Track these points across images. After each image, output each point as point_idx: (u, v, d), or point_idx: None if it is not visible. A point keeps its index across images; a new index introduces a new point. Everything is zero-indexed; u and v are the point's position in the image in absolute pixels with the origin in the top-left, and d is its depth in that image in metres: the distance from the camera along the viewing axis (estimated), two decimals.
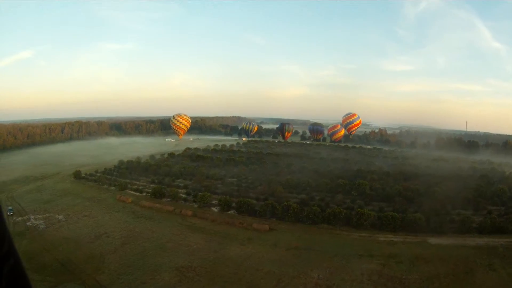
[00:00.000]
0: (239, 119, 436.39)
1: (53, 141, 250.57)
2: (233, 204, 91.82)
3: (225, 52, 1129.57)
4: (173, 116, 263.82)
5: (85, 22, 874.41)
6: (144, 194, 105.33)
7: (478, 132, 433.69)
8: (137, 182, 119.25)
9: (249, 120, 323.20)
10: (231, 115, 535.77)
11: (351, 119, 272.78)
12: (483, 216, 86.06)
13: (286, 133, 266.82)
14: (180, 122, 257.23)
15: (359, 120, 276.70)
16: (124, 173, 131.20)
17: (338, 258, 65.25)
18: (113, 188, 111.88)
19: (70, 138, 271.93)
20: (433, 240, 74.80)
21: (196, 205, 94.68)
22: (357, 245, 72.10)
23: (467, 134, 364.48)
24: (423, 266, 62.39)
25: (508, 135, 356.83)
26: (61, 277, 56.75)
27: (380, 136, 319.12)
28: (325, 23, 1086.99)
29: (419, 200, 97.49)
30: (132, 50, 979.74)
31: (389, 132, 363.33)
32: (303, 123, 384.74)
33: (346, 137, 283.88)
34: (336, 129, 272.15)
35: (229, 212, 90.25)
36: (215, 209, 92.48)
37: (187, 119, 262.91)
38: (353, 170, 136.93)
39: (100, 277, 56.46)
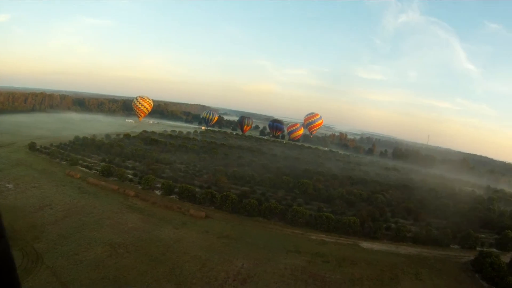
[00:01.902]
0: (203, 107, 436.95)
1: (14, 110, 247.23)
2: (176, 189, 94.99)
3: (200, 40, 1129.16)
4: (136, 98, 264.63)
5: None
6: (93, 171, 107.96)
7: (439, 147, 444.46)
8: (89, 159, 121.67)
9: (210, 110, 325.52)
10: (196, 103, 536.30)
11: (313, 119, 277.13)
12: (421, 227, 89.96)
13: (245, 126, 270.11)
14: (142, 105, 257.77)
15: (321, 120, 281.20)
16: (77, 149, 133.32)
17: (265, 250, 68.81)
18: (64, 162, 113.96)
19: (32, 109, 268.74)
20: (365, 245, 78.94)
21: (140, 187, 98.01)
22: (288, 240, 75.72)
23: (428, 148, 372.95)
24: (349, 268, 65.99)
25: (469, 154, 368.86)
26: None
27: (339, 140, 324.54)
28: (303, 24, 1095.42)
29: (360, 205, 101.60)
30: (109, 26, 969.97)
31: (350, 137, 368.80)
32: (267, 118, 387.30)
33: (305, 136, 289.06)
34: (295, 128, 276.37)
35: (170, 197, 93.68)
36: (158, 192, 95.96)
37: (149, 102, 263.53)
38: (301, 169, 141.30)
39: (37, 245, 59.24)
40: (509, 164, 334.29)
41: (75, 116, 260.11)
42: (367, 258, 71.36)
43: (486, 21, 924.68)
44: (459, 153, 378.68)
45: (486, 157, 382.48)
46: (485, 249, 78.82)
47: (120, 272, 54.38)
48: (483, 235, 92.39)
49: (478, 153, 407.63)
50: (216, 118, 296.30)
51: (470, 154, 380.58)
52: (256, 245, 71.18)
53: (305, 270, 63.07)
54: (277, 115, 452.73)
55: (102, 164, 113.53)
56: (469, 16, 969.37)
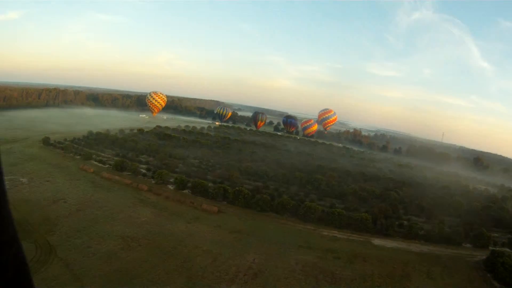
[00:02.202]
0: (217, 103, 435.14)
1: (28, 106, 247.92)
2: (189, 184, 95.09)
3: (214, 36, 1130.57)
4: (149, 93, 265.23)
5: None
6: (107, 166, 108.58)
7: (454, 144, 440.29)
8: (102, 154, 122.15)
9: (224, 105, 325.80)
10: (210, 99, 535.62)
11: (327, 115, 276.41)
12: (433, 225, 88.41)
13: (259, 122, 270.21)
14: (156, 100, 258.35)
15: (335, 116, 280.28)
16: (91, 143, 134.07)
17: (277, 246, 68.59)
18: (78, 157, 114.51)
19: (46, 105, 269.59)
20: (377, 241, 78.01)
21: (153, 181, 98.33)
22: (299, 236, 75.30)
23: (442, 146, 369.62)
24: (360, 264, 65.39)
25: (483, 152, 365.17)
26: None
27: (353, 136, 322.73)
28: (318, 21, 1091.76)
29: (372, 202, 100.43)
30: (122, 22, 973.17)
31: (364, 133, 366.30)
32: (281, 114, 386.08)
33: (320, 133, 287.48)
34: (309, 124, 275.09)
35: (183, 191, 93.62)
36: (171, 187, 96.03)
37: (163, 98, 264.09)
38: (314, 165, 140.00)
39: (51, 238, 59.89)
40: None
41: (89, 111, 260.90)
42: (378, 255, 70.70)
43: (500, 19, 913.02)
44: (473, 151, 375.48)
45: (500, 156, 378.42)
46: (497, 249, 76.61)
47: (132, 265, 54.71)
48: (496, 234, 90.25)
49: (493, 152, 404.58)
50: (230, 113, 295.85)
51: (484, 152, 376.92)
52: (268, 240, 71.00)
53: (316, 265, 62.70)
54: (291, 111, 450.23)
55: (116, 158, 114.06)
56: (483, 14, 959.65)
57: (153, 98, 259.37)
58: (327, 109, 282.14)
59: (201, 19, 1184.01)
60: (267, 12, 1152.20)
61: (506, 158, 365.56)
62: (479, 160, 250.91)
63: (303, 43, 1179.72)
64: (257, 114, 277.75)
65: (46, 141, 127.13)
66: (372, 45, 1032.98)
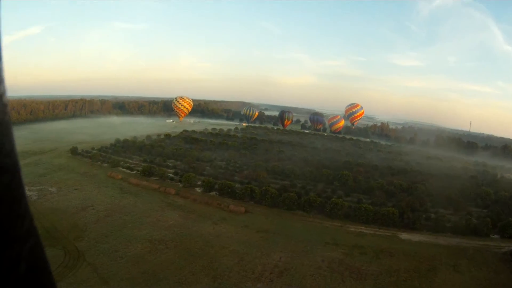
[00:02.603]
0: (244, 104, 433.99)
1: (55, 117, 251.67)
2: (216, 186, 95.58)
3: (235, 36, 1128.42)
4: (175, 98, 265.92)
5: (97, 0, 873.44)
6: (135, 172, 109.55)
7: (482, 133, 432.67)
8: (130, 161, 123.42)
9: (250, 106, 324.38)
10: (236, 100, 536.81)
11: (354, 110, 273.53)
12: (460, 217, 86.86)
13: (286, 121, 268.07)
14: (182, 105, 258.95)
15: (362, 110, 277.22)
16: (118, 151, 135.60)
17: (303, 243, 68.30)
18: (106, 165, 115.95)
19: (73, 116, 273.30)
20: (404, 236, 76.89)
21: (181, 185, 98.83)
22: (326, 233, 74.86)
23: (470, 135, 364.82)
24: (386, 259, 64.79)
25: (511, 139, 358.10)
26: (45, 242, 59.06)
27: (381, 130, 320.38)
28: (338, 14, 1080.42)
29: (400, 196, 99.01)
30: (143, 30, 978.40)
31: (392, 127, 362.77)
32: (308, 112, 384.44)
33: (347, 128, 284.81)
34: (335, 120, 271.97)
35: (211, 193, 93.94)
36: (198, 190, 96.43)
37: (189, 102, 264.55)
38: (341, 161, 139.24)
39: (79, 244, 61.02)
40: None
41: (116, 120, 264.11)
42: (405, 249, 69.88)
43: None
44: (502, 139, 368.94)
45: None
46: None
47: (159, 267, 55.25)
48: None
49: None
50: (256, 114, 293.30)
51: None
52: (294, 238, 70.85)
53: (342, 262, 62.46)
54: (317, 108, 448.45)
55: (143, 164, 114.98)
56: None
57: (179, 103, 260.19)
58: (354, 103, 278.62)
59: (223, 20, 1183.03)
60: (287, 9, 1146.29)
61: None
62: (508, 148, 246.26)
63: (325, 39, 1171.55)
64: (284, 113, 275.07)
65: (73, 151, 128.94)
66: (395, 35, 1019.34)
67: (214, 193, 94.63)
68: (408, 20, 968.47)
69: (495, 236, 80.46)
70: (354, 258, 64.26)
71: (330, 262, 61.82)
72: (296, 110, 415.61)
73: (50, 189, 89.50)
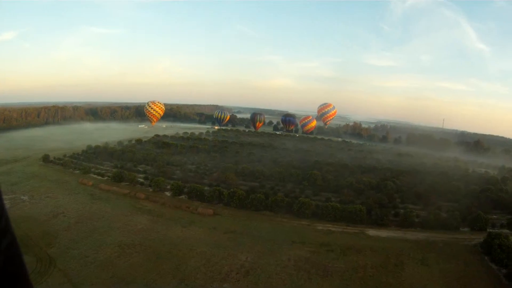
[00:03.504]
0: (217, 107, 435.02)
1: (28, 125, 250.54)
2: (185, 190, 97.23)
3: (210, 40, 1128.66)
4: (147, 103, 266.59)
5: (73, 5, 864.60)
6: (105, 178, 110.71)
7: (455, 130, 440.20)
8: (101, 167, 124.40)
9: (222, 109, 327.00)
10: (209, 104, 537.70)
11: (326, 109, 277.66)
12: (429, 212, 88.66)
13: (257, 123, 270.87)
14: (154, 109, 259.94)
15: (335, 110, 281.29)
16: (90, 157, 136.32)
17: (270, 243, 70.32)
18: (77, 171, 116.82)
19: (46, 123, 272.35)
20: (372, 232, 79.33)
21: (151, 189, 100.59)
22: (293, 232, 77.04)
23: (443, 132, 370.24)
24: (353, 256, 66.77)
25: (485, 135, 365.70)
26: None
27: (353, 130, 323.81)
28: (312, 16, 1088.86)
29: (369, 193, 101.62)
30: (118, 35, 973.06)
31: (365, 126, 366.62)
32: (281, 113, 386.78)
33: (319, 128, 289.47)
34: (307, 120, 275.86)
35: (180, 197, 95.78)
36: (168, 194, 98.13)
37: (161, 107, 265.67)
38: (311, 161, 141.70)
39: (50, 250, 62.31)
40: None
41: (88, 126, 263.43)
42: (372, 245, 71.98)
43: None
44: (475, 134, 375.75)
45: (502, 137, 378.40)
46: (494, 231, 77.38)
47: (127, 270, 57.17)
48: (495, 216, 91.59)
49: (495, 134, 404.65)
50: (228, 117, 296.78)
51: (486, 135, 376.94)
52: (261, 238, 72.84)
53: (308, 260, 64.29)
54: (291, 110, 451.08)
55: (114, 170, 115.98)
56: None
57: (151, 108, 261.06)
58: (326, 103, 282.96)
59: (196, 24, 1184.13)
60: (262, 12, 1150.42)
61: (508, 139, 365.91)
62: (479, 143, 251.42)
63: (300, 40, 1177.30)
64: (255, 115, 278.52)
65: (45, 159, 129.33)
66: (369, 36, 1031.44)
67: (183, 196, 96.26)
68: (382, 21, 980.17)
69: (465, 229, 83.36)
70: (321, 256, 66.26)
71: (297, 261, 63.71)
72: (269, 112, 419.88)
73: (22, 197, 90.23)
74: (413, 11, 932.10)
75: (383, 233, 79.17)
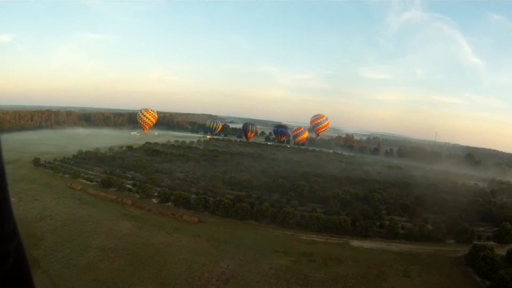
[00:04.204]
0: (210, 117, 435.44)
1: (21, 128, 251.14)
2: (172, 197, 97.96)
3: (204, 50, 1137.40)
4: (140, 111, 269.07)
5: (69, 10, 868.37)
6: (94, 183, 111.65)
7: (448, 143, 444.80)
8: (91, 172, 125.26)
9: (214, 119, 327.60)
10: (202, 113, 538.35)
11: (319, 121, 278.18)
12: (414, 224, 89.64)
13: (249, 133, 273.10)
14: (146, 117, 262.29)
15: (327, 122, 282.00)
16: (80, 162, 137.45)
17: (252, 252, 70.82)
18: (67, 176, 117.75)
19: (39, 127, 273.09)
20: (356, 243, 79.56)
21: (138, 196, 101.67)
22: (277, 242, 77.45)
23: (436, 144, 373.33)
24: (334, 266, 66.88)
25: (477, 148, 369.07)
26: None
27: (345, 142, 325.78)
28: (306, 28, 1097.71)
29: (355, 204, 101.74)
30: (113, 41, 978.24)
31: (357, 138, 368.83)
32: (274, 124, 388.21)
33: (311, 140, 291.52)
34: (299, 131, 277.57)
35: (166, 204, 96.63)
36: (154, 200, 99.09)
37: (153, 114, 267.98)
38: (299, 172, 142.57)
39: (35, 252, 63.09)
40: None
41: (81, 131, 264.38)
42: (355, 256, 72.32)
43: (488, 12, 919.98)
44: (467, 147, 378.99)
45: (494, 150, 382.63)
46: (479, 243, 77.73)
47: (109, 274, 58.15)
48: (482, 228, 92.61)
49: (487, 147, 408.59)
50: (220, 126, 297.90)
51: (478, 148, 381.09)
52: (244, 246, 73.47)
53: (289, 269, 64.74)
54: (284, 120, 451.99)
55: (103, 175, 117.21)
56: (471, 8, 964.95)
57: (144, 115, 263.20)
58: (319, 114, 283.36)
59: (192, 33, 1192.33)
60: (256, 22, 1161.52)
61: (500, 152, 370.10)
62: (471, 156, 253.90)
63: (295, 52, 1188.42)
64: (247, 125, 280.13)
65: (36, 162, 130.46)
66: (364, 49, 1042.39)
67: (170, 203, 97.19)
68: (377, 34, 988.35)
69: (451, 241, 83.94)
70: (302, 265, 66.72)
71: (277, 270, 64.22)
72: (262, 122, 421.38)
73: (11, 199, 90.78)
74: (409, 25, 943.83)
75: (367, 244, 79.60)
